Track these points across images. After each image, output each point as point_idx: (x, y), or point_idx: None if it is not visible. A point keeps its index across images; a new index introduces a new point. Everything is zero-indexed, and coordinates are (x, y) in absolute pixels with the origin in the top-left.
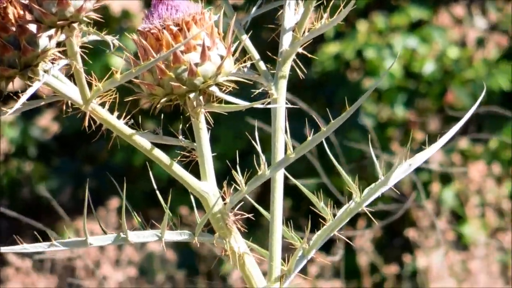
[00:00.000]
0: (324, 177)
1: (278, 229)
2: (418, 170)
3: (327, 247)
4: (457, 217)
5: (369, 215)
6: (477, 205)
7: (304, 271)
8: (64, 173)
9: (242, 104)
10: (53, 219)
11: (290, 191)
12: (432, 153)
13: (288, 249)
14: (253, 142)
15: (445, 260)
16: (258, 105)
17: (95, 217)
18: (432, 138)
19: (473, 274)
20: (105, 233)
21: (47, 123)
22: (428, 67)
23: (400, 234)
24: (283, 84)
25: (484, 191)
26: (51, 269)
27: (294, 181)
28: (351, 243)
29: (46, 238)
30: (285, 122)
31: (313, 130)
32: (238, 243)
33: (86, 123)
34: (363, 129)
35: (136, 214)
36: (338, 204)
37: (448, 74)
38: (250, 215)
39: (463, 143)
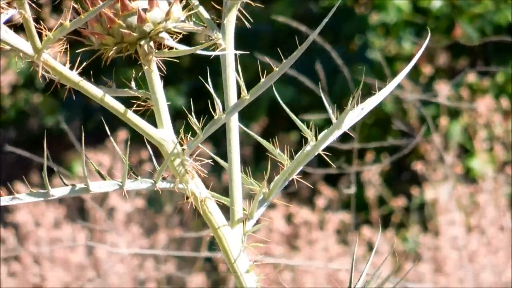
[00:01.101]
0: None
1: (237, 175)
2: (426, 104)
3: (335, 180)
4: (465, 151)
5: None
6: (485, 139)
7: (311, 203)
8: (72, 105)
9: (191, 49)
10: (60, 152)
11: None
12: (383, 97)
13: (251, 198)
14: (207, 86)
15: (453, 194)
16: (205, 52)
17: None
18: (441, 72)
19: (480, 207)
20: (65, 184)
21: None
22: (437, 2)
23: (408, 167)
24: (230, 32)
25: (492, 125)
26: (60, 200)
27: (245, 129)
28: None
29: (53, 170)
30: (238, 67)
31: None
32: (199, 188)
33: (40, 75)
34: (371, 63)
35: (94, 164)
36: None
37: (456, 8)
38: (208, 160)
39: (471, 77)
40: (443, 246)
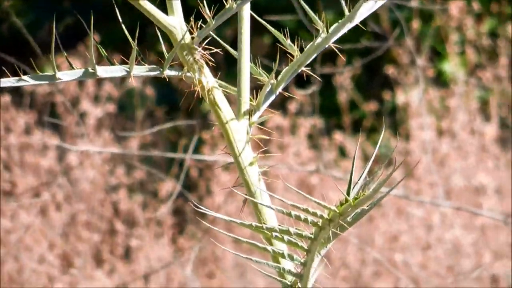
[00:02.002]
0: (301, 15)
1: (246, 65)
2: (398, 7)
3: (305, 84)
4: (437, 54)
5: (337, 51)
6: (457, 42)
7: (283, 108)
8: (43, 8)
9: None
10: (33, 55)
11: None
12: None
13: (259, 88)
14: None
15: (424, 97)
16: None
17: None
18: None
19: (452, 111)
20: (73, 68)
21: None
22: None
23: (380, 71)
24: None
25: (464, 28)
26: (30, 104)
27: (258, 18)
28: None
29: (25, 74)
30: None
31: None
32: (206, 77)
33: None
34: None
35: (102, 49)
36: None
37: None
38: (218, 50)
39: None
40: (414, 150)
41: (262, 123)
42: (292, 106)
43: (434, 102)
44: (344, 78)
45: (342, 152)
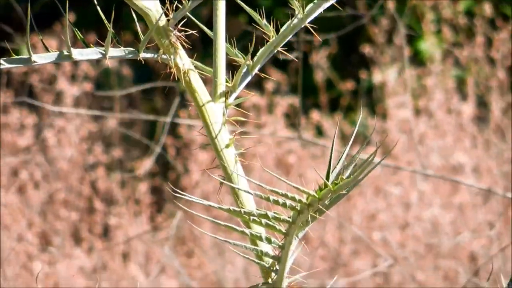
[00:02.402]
0: None
1: (222, 47)
2: None
3: (283, 65)
4: (413, 34)
5: (313, 31)
6: (433, 21)
7: (260, 87)
8: None
9: None
10: (8, 36)
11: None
12: None
13: (234, 69)
14: None
15: (401, 76)
16: None
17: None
18: None
19: (429, 90)
20: (48, 51)
21: None
22: None
23: (357, 50)
24: None
25: (440, 7)
26: (7, 84)
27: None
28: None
29: (1, 54)
30: None
31: None
32: (182, 59)
33: None
34: None
35: (77, 31)
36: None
37: None
38: (194, 32)
39: None
40: (391, 129)
41: (239, 103)
42: (269, 85)
43: (411, 81)
44: (321, 57)
45: (319, 131)
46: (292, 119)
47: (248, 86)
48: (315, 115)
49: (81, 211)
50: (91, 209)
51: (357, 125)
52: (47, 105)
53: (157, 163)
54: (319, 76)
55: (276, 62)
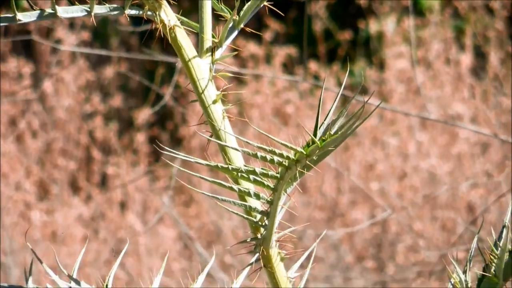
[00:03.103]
0: None
1: (207, 1)
2: None
3: (283, 11)
4: None
5: None
6: None
7: (258, 38)
8: None
9: None
10: None
11: None
12: None
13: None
14: None
15: (399, 26)
16: None
17: None
18: None
19: (427, 41)
20: (32, 8)
21: None
22: None
23: (354, 0)
24: None
25: None
26: (5, 33)
27: None
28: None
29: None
30: None
31: None
32: (168, 16)
33: None
34: None
35: None
36: None
37: None
38: None
39: None
40: (389, 80)
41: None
42: (267, 35)
43: (409, 31)
44: (319, 7)
45: (317, 81)
46: (290, 69)
47: (246, 37)
48: (313, 65)
49: (79, 160)
50: (89, 158)
51: (346, 76)
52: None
53: (155, 113)
54: (318, 26)
55: (275, 12)
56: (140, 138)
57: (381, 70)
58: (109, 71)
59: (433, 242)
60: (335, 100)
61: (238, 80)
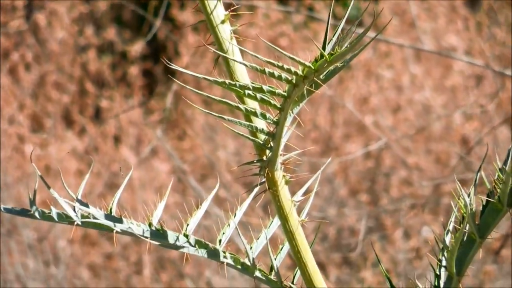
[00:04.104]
0: None
1: None
2: None
3: None
4: None
5: None
6: None
7: None
8: None
9: None
10: None
11: None
12: None
13: None
14: None
15: None
16: None
17: None
18: None
19: None
20: None
21: None
22: None
23: None
24: None
25: None
26: None
27: None
28: None
29: None
30: None
31: None
32: None
33: None
34: None
35: None
36: None
37: None
38: None
39: None
40: (384, 12)
41: None
42: None
43: None
44: None
45: (312, 12)
46: (284, 1)
47: None
48: None
49: (73, 94)
50: (83, 91)
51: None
52: None
53: (148, 46)
54: None
55: None
56: (134, 71)
57: (376, 2)
58: (102, 4)
59: (427, 174)
60: (342, 20)
61: (233, 9)
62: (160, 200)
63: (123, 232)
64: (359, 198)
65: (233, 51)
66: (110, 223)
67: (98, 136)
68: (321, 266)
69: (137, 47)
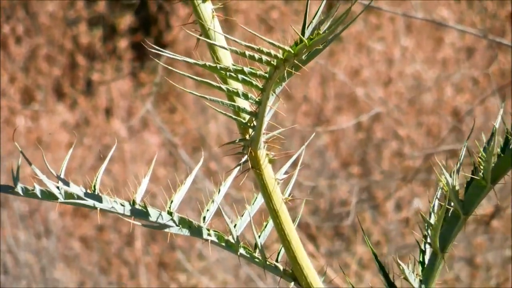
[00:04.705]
0: None
1: None
2: None
3: None
4: None
5: None
6: None
7: None
8: None
9: None
10: None
11: None
12: None
13: None
14: None
15: None
16: None
17: None
18: None
19: None
20: None
21: None
22: None
23: None
24: None
25: None
26: None
27: None
28: None
29: None
30: None
31: None
32: None
33: None
34: None
35: None
36: None
37: None
38: None
39: None
40: None
41: None
42: None
43: None
44: None
45: None
46: None
47: None
48: None
49: (64, 67)
50: (74, 64)
51: None
52: None
53: (139, 19)
54: None
55: None
56: (124, 44)
57: None
58: None
59: (418, 147)
60: (319, 8)
61: None
62: (144, 176)
63: (107, 211)
64: (350, 170)
65: (214, 31)
66: (91, 202)
67: (89, 109)
68: (312, 238)
69: (128, 20)
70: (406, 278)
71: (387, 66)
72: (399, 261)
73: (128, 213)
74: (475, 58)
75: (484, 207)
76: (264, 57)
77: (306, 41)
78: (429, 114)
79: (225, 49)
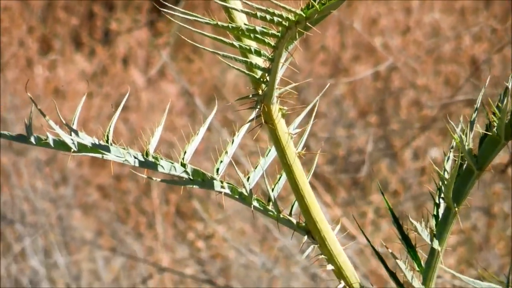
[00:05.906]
0: None
1: None
2: None
3: None
4: None
5: None
6: None
7: None
8: None
9: None
10: None
11: None
12: None
13: None
14: None
15: None
16: None
17: None
18: None
19: None
20: None
21: None
22: None
23: None
24: None
25: None
26: None
27: None
28: None
29: None
30: None
31: None
32: None
33: None
34: None
35: None
36: None
37: None
38: None
39: None
40: None
41: None
42: None
43: None
44: None
45: None
46: None
47: None
48: None
49: (81, 16)
50: (91, 13)
51: None
52: None
53: None
54: None
55: None
56: None
57: None
58: None
59: (436, 96)
60: None
61: None
62: (157, 126)
63: (118, 161)
64: (368, 120)
65: None
66: (104, 153)
67: (107, 58)
68: (329, 188)
69: None
70: (419, 233)
71: (405, 15)
72: (411, 219)
73: (140, 165)
74: (493, 7)
75: (500, 156)
76: (276, 19)
77: (317, 6)
78: (446, 63)
79: (235, 9)
